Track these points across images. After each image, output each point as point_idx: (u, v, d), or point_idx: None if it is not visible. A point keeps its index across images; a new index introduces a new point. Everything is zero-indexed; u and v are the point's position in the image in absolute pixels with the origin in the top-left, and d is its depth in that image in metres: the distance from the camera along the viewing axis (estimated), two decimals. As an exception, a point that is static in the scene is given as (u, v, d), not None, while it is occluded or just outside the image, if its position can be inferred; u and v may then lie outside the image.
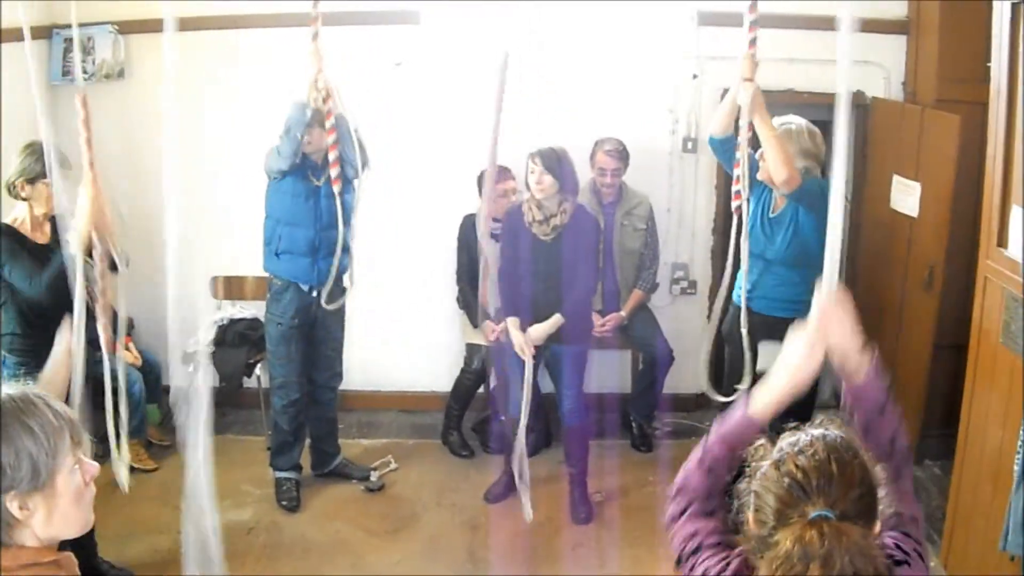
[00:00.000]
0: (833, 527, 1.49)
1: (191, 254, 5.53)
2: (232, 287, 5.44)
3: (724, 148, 4.08)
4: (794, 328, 1.92)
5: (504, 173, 4.88)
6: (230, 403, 5.45)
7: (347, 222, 4.39)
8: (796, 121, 3.97)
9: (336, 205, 4.32)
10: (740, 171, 3.79)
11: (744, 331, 3.87)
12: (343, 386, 4.98)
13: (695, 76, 5.33)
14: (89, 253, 3.38)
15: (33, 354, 3.69)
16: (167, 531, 3.98)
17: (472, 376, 5.26)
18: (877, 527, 1.58)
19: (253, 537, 4.40)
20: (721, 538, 1.80)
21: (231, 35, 5.26)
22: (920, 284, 4.67)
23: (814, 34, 5.08)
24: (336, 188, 4.29)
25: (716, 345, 4.14)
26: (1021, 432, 2.89)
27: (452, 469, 5.10)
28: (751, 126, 3.70)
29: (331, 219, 4.36)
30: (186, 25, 5.19)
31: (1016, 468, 2.86)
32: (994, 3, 3.52)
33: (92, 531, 3.47)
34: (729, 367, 4.24)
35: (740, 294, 4.07)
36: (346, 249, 4.48)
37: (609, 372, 5.57)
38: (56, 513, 1.55)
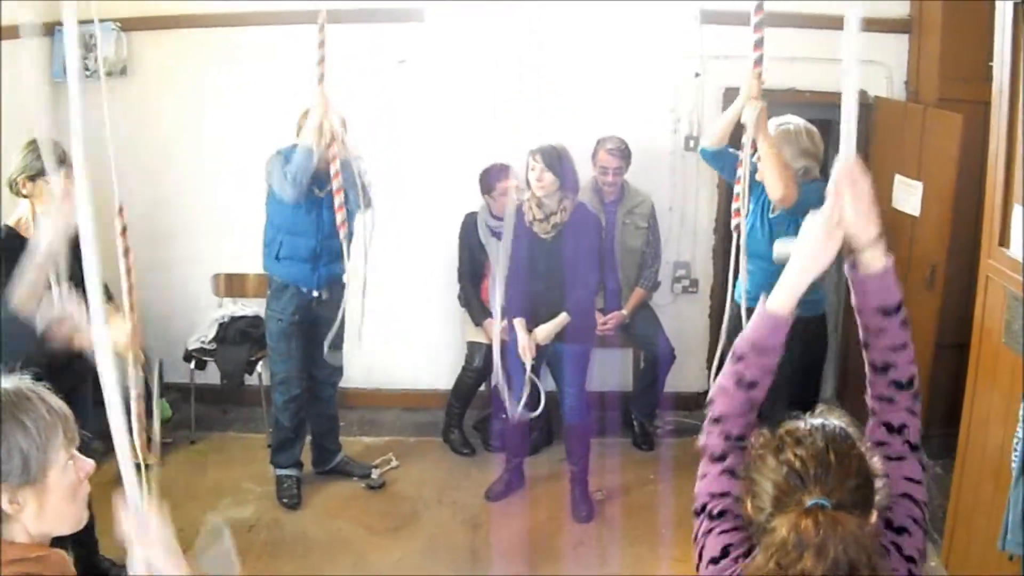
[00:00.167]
0: (829, 516, 1.50)
1: (193, 251, 5.59)
2: (233, 284, 5.44)
3: (716, 160, 4.10)
4: (809, 216, 1.81)
5: (506, 171, 4.88)
6: (231, 401, 5.46)
7: (349, 236, 4.37)
8: (794, 121, 3.97)
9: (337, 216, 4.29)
10: (740, 188, 3.75)
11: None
12: (344, 384, 4.99)
13: (697, 75, 5.32)
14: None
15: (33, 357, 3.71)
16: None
17: (473, 374, 5.26)
18: (873, 517, 1.57)
19: (254, 535, 4.40)
20: (741, 523, 1.75)
21: (232, 33, 5.26)
22: (922, 283, 4.66)
23: (816, 33, 5.07)
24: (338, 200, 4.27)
25: (715, 345, 4.13)
26: (1018, 431, 2.89)
27: (453, 467, 5.11)
28: (752, 143, 3.69)
29: (333, 229, 4.32)
30: (187, 23, 5.22)
31: (1014, 466, 2.86)
32: (996, 2, 3.52)
33: (92, 529, 3.48)
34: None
35: (742, 294, 4.07)
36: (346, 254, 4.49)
37: (611, 370, 5.57)
38: (47, 508, 1.55)
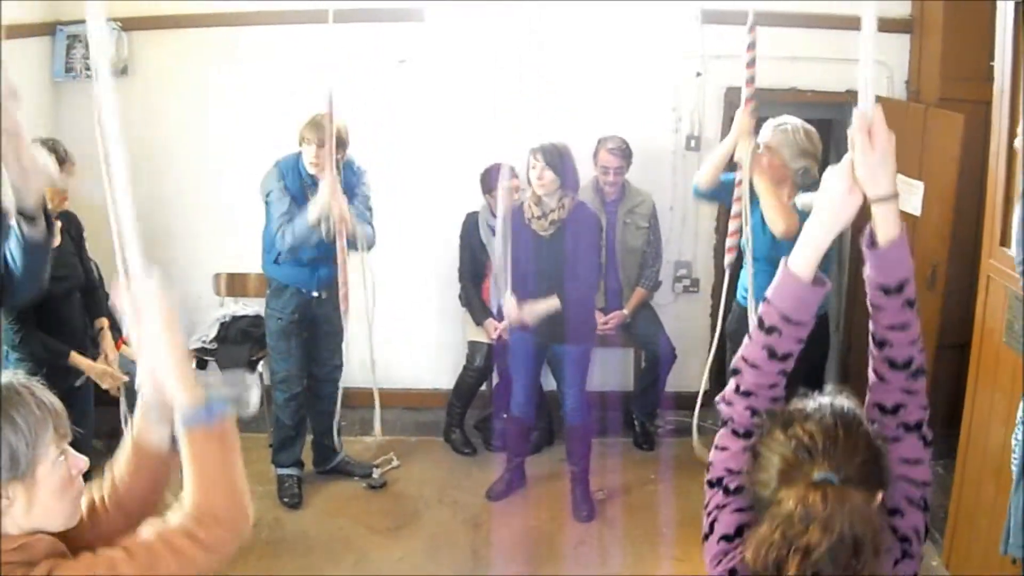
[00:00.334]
0: (836, 491, 1.49)
1: (194, 251, 5.59)
2: (235, 284, 5.45)
3: (711, 196, 4.12)
4: (829, 170, 1.75)
5: (507, 171, 4.87)
6: (233, 400, 5.45)
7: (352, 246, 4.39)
8: (791, 121, 3.96)
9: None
10: (738, 224, 3.71)
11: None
12: (345, 383, 4.98)
13: (698, 74, 5.32)
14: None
15: (35, 348, 3.72)
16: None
17: (474, 374, 5.26)
18: (879, 496, 1.56)
19: (255, 534, 4.39)
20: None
21: (233, 33, 5.26)
22: (923, 283, 4.66)
23: (817, 32, 5.08)
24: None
25: (719, 346, 4.14)
26: (1017, 432, 2.88)
27: (454, 467, 5.11)
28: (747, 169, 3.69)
29: (333, 238, 4.31)
30: (188, 23, 5.22)
31: (1014, 469, 2.86)
32: (997, 2, 3.52)
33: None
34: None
35: (745, 294, 4.08)
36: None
37: (611, 370, 5.58)
38: (36, 504, 1.55)
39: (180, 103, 5.28)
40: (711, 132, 5.35)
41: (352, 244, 4.28)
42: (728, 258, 3.73)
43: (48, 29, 5.14)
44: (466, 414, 5.35)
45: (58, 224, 3.82)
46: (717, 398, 1.85)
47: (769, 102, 4.66)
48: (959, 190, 4.41)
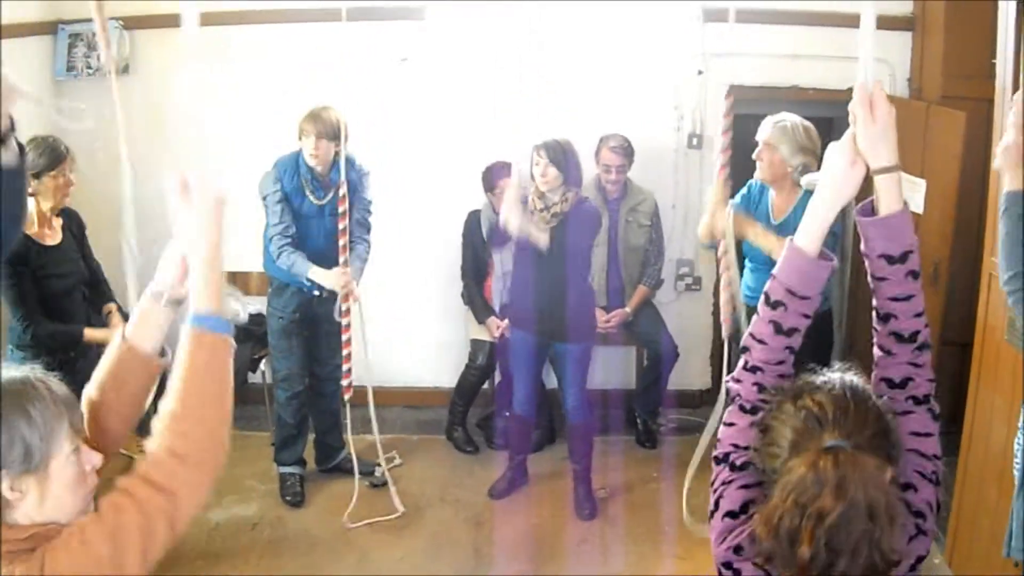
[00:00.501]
0: (848, 455, 1.49)
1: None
2: (236, 282, 5.43)
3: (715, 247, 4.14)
4: (831, 147, 1.77)
5: (507, 169, 4.87)
6: (234, 399, 5.44)
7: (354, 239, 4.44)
8: (790, 118, 3.97)
9: (338, 223, 4.32)
10: (728, 293, 3.64)
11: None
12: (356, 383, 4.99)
13: (700, 72, 5.32)
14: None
15: (37, 347, 3.72)
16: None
17: (477, 372, 5.27)
18: (890, 472, 1.54)
19: (257, 532, 4.41)
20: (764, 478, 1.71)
21: (236, 32, 5.25)
22: (925, 281, 4.65)
23: (818, 30, 5.08)
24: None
25: (718, 343, 4.14)
26: (1019, 438, 2.88)
27: (456, 465, 5.11)
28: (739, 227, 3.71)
29: (336, 230, 4.33)
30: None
31: (1016, 474, 2.86)
32: (999, 0, 3.51)
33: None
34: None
35: (749, 294, 4.09)
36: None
37: (614, 368, 5.58)
38: (49, 497, 1.56)
39: (179, 102, 5.28)
40: (713, 130, 5.34)
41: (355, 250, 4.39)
42: (725, 329, 3.64)
43: (50, 28, 5.14)
44: (468, 412, 5.35)
45: (59, 220, 3.86)
46: (727, 377, 1.85)
47: (770, 100, 4.67)
48: (961, 188, 4.41)
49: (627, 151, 5.02)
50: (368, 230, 4.60)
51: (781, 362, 1.77)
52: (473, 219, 5.14)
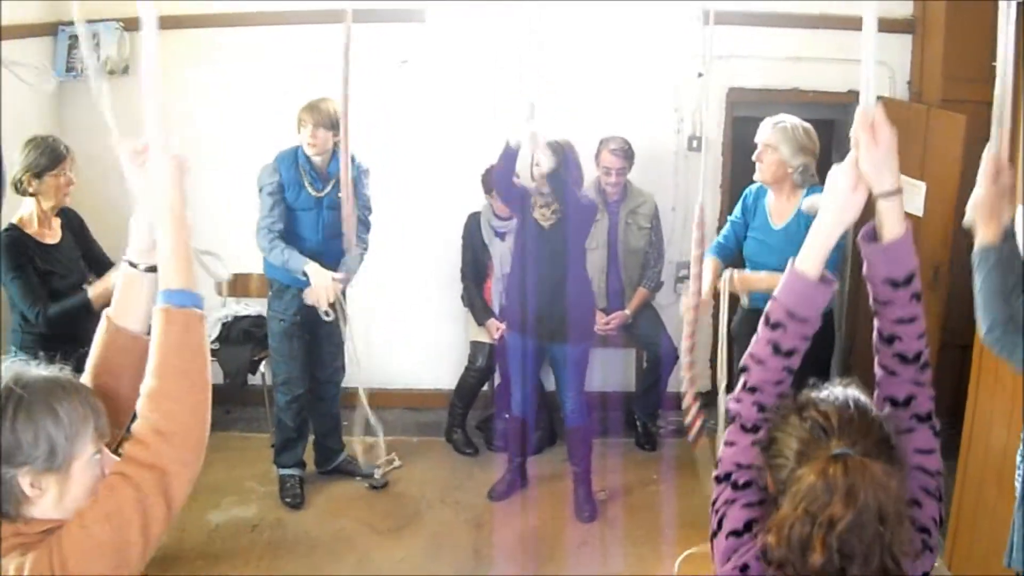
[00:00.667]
0: (856, 462, 1.50)
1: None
2: (237, 284, 5.43)
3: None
4: (833, 170, 1.78)
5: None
6: (234, 400, 5.45)
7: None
8: (789, 119, 3.98)
9: (338, 216, 4.31)
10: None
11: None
12: (347, 383, 4.98)
13: (700, 75, 5.31)
14: None
15: (39, 349, 3.71)
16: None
17: (476, 374, 5.26)
18: (895, 476, 1.55)
19: (257, 534, 4.40)
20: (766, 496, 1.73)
21: (238, 33, 5.27)
22: (926, 284, 4.65)
23: (819, 33, 5.08)
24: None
25: (717, 345, 4.15)
26: (1021, 448, 2.88)
27: (456, 467, 5.11)
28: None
29: (334, 229, 4.34)
30: (192, 23, 5.23)
31: (1017, 484, 2.85)
32: (999, 3, 3.50)
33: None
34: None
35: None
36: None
37: (613, 370, 5.58)
38: (68, 497, 1.57)
39: (182, 103, 5.28)
40: (713, 132, 5.35)
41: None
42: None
43: (50, 29, 5.15)
44: (468, 414, 5.35)
45: (58, 220, 3.86)
46: (728, 397, 1.86)
47: (770, 102, 4.67)
48: (961, 191, 4.40)
49: (627, 153, 5.02)
50: (367, 229, 4.59)
51: (780, 382, 1.78)
52: (473, 221, 5.15)
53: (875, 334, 1.78)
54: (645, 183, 5.22)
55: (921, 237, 4.72)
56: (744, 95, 5.34)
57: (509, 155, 4.08)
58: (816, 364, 3.84)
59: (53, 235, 3.83)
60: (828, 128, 5.56)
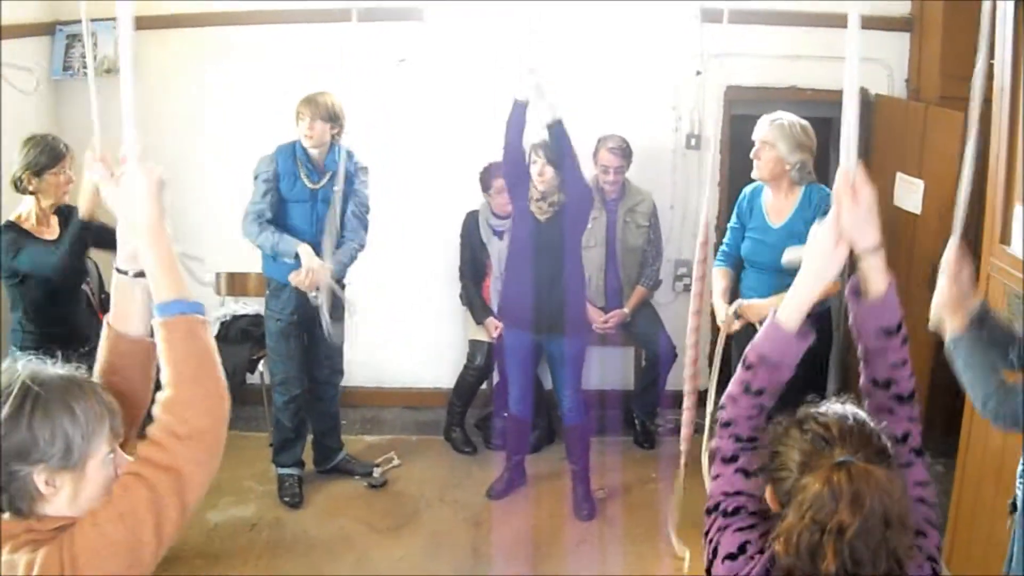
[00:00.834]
0: (860, 468, 1.53)
1: (194, 250, 5.57)
2: (235, 283, 5.43)
3: None
4: (815, 227, 1.83)
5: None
6: (233, 399, 5.41)
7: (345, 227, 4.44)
8: (786, 117, 3.98)
9: (333, 210, 4.32)
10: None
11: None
12: (346, 382, 4.99)
13: (698, 73, 5.32)
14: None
15: (40, 348, 3.71)
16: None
17: (475, 373, 5.26)
18: (898, 481, 1.59)
19: (256, 534, 4.40)
20: (759, 508, 1.77)
21: (234, 32, 5.26)
22: (923, 283, 4.66)
23: (817, 31, 5.08)
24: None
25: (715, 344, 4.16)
26: (1021, 467, 2.88)
27: (455, 465, 5.11)
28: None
29: (324, 223, 4.34)
30: (189, 22, 5.22)
31: (1019, 493, 2.85)
32: (997, 1, 3.51)
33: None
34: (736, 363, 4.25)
35: (748, 293, 4.11)
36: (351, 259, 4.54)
37: (612, 369, 5.58)
38: (82, 496, 1.58)
39: (179, 102, 5.28)
40: (711, 130, 5.35)
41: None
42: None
43: (47, 29, 5.15)
44: (467, 413, 5.35)
45: (55, 219, 3.86)
46: (712, 443, 1.92)
47: (768, 100, 4.67)
48: (959, 188, 4.40)
49: (625, 152, 5.02)
50: (365, 227, 4.57)
51: (752, 417, 1.84)
52: (471, 220, 5.15)
53: (867, 380, 1.86)
54: (643, 181, 5.22)
55: (918, 235, 4.73)
56: (742, 93, 5.33)
57: (519, 108, 4.13)
58: (814, 362, 3.87)
59: (51, 232, 3.83)
60: (826, 126, 5.55)
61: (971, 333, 2.43)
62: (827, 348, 4.22)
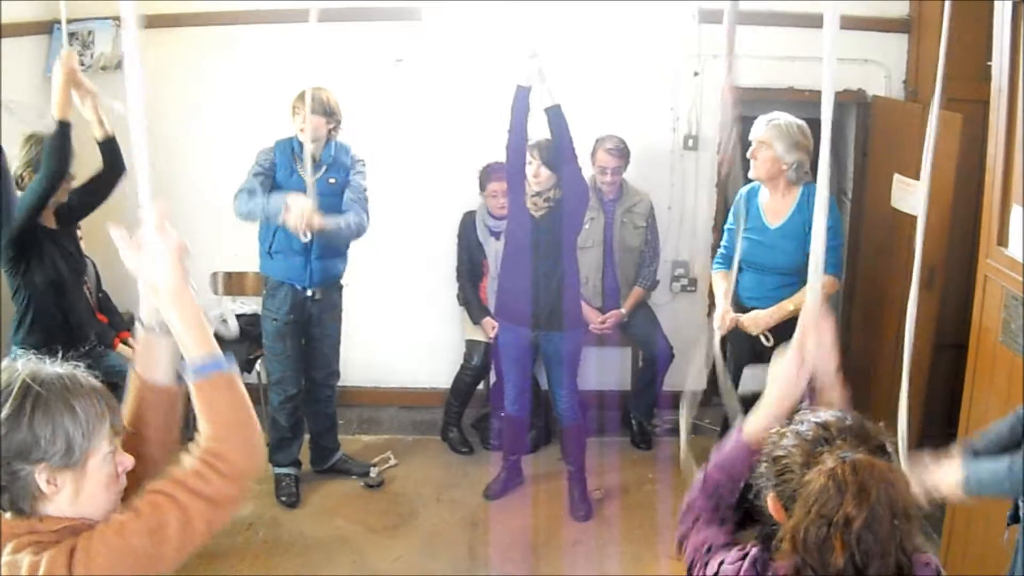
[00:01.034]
0: (864, 460, 1.54)
1: (191, 249, 5.57)
2: (232, 283, 5.43)
3: None
4: (778, 352, 1.94)
5: (501, 171, 4.86)
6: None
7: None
8: (783, 117, 3.99)
9: (328, 203, 4.32)
10: None
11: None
12: (343, 382, 4.99)
13: (696, 74, 5.32)
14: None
15: (41, 348, 3.71)
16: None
17: (472, 373, 5.26)
18: (901, 474, 1.62)
19: (252, 533, 4.40)
20: (731, 539, 1.82)
21: (231, 31, 5.26)
22: (920, 283, 4.66)
23: (815, 32, 5.03)
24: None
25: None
26: None
27: (452, 465, 5.11)
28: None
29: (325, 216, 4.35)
30: (187, 21, 5.22)
31: (1022, 504, 2.85)
32: (995, 2, 3.51)
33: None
34: (734, 364, 4.26)
35: (745, 295, 4.12)
36: (341, 253, 4.52)
37: (609, 369, 5.58)
38: (83, 494, 1.59)
39: (177, 101, 5.27)
40: (709, 131, 5.36)
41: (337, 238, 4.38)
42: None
43: (45, 28, 5.14)
44: (463, 413, 5.35)
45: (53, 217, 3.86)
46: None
47: (766, 101, 4.67)
48: (957, 190, 4.41)
49: (623, 152, 5.01)
50: (366, 211, 4.50)
51: (711, 509, 1.91)
52: (468, 220, 5.15)
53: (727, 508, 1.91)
54: (641, 182, 5.22)
55: (916, 237, 4.72)
56: (740, 94, 5.32)
57: (522, 94, 4.14)
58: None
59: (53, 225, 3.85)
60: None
61: (972, 463, 2.50)
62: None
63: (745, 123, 4.13)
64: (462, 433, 5.30)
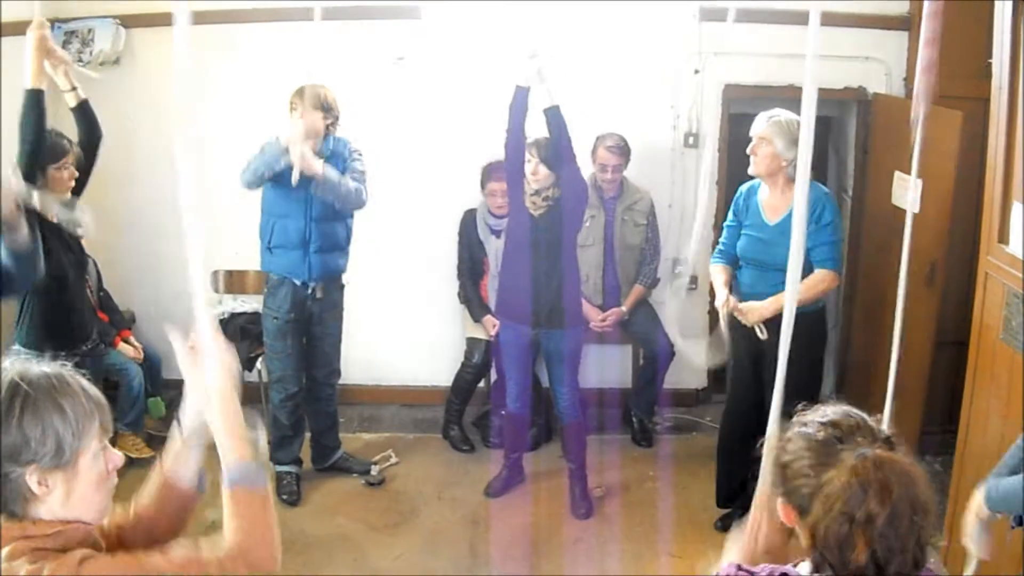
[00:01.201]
0: (885, 457, 1.53)
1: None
2: (233, 281, 5.43)
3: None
4: (732, 538, 1.96)
5: (501, 170, 4.86)
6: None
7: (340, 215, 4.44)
8: (783, 114, 3.99)
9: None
10: None
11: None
12: (344, 380, 4.99)
13: (697, 71, 5.32)
14: None
15: (39, 345, 3.72)
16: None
17: (473, 370, 5.26)
18: (918, 468, 1.60)
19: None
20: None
21: (232, 30, 5.25)
22: (921, 280, 4.66)
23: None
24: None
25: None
26: None
27: (453, 463, 5.11)
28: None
29: (323, 211, 4.38)
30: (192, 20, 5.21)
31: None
32: (995, 0, 3.51)
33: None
34: (733, 361, 4.25)
35: (745, 291, 4.12)
36: (341, 247, 4.52)
37: (610, 367, 5.58)
38: (75, 494, 1.58)
39: (177, 100, 5.27)
40: (709, 129, 5.36)
41: (336, 204, 4.37)
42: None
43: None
44: (464, 411, 5.36)
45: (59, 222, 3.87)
46: None
47: (766, 99, 4.67)
48: (957, 187, 4.41)
49: (623, 150, 5.01)
50: (365, 189, 4.48)
51: None
52: (469, 218, 5.15)
53: None
54: (641, 180, 5.22)
55: (916, 234, 4.72)
56: (740, 92, 5.34)
57: (521, 94, 4.14)
58: (810, 362, 3.87)
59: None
60: (824, 125, 5.56)
61: (993, 480, 2.55)
62: (822, 348, 4.22)
63: (746, 121, 4.13)
64: (463, 431, 5.30)
